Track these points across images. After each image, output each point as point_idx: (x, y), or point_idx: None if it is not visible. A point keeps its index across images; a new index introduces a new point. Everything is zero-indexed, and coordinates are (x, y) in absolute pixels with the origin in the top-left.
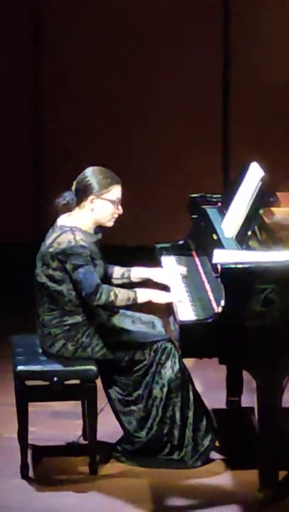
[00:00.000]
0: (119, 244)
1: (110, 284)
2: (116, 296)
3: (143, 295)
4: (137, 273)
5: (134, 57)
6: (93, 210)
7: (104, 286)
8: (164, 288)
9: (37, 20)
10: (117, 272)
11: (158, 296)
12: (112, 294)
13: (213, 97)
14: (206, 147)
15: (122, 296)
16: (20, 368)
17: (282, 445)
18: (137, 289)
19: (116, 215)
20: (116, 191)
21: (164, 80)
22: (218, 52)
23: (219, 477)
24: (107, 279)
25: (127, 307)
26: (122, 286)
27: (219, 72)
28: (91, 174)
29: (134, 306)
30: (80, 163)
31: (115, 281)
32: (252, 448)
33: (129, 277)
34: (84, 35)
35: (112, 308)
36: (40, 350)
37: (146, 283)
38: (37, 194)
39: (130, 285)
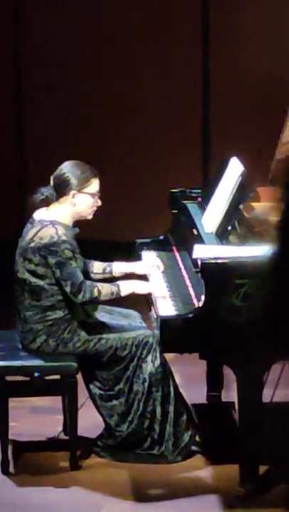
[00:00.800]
0: (99, 240)
1: (91, 279)
2: (100, 292)
3: (126, 288)
4: (119, 268)
5: (112, 54)
6: (75, 205)
7: (88, 282)
8: (147, 280)
9: (17, 18)
10: (98, 266)
11: (141, 287)
12: (95, 290)
13: (193, 92)
14: (185, 142)
15: (105, 291)
16: (0, 363)
17: (262, 440)
18: (119, 282)
19: (95, 208)
20: (95, 184)
21: (142, 76)
22: (198, 47)
23: (200, 472)
24: (87, 273)
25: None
26: (103, 280)
27: (199, 67)
28: (69, 169)
29: (114, 300)
30: (64, 159)
31: (96, 276)
32: (232, 443)
33: (110, 272)
34: (63, 29)
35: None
36: (20, 346)
37: (128, 277)
38: (19, 191)
39: (112, 280)
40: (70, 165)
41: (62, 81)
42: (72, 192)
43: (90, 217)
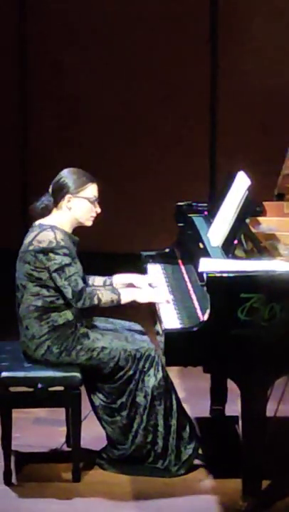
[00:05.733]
0: (106, 252)
1: None
2: (99, 300)
3: (126, 296)
4: (119, 279)
5: (121, 66)
6: (71, 209)
7: (88, 289)
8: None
9: (22, 22)
10: (98, 280)
11: (142, 296)
12: (95, 298)
13: (201, 106)
14: (192, 156)
15: (105, 299)
16: (4, 374)
17: (265, 454)
18: (120, 290)
19: (94, 214)
20: (92, 189)
21: (148, 90)
22: (205, 61)
23: (202, 485)
24: (87, 284)
25: (110, 311)
26: None
27: (207, 81)
28: (66, 175)
29: (119, 312)
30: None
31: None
32: (235, 457)
33: (111, 284)
34: (70, 37)
35: (95, 314)
36: (23, 357)
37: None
38: (23, 202)
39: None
40: (67, 171)
41: (66, 93)
42: (68, 196)
43: (88, 223)
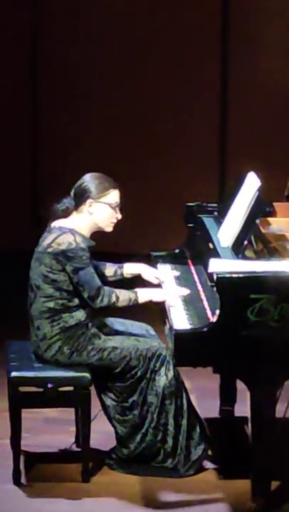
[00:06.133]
0: (115, 252)
1: (105, 282)
2: (117, 298)
3: (144, 295)
4: (129, 269)
5: (131, 67)
6: (92, 214)
7: (106, 288)
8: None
9: (36, 24)
10: (110, 270)
11: (158, 295)
12: (113, 296)
13: (211, 107)
14: (202, 156)
15: (123, 297)
16: (13, 374)
17: (274, 455)
18: (137, 290)
19: (115, 220)
20: (114, 195)
21: (160, 90)
22: (216, 61)
23: (212, 486)
24: (100, 276)
25: (121, 312)
26: (115, 282)
27: (217, 80)
28: (89, 179)
29: (127, 313)
30: (78, 171)
31: (109, 279)
32: (245, 457)
33: (122, 274)
34: (82, 33)
35: (106, 314)
36: (33, 357)
37: (143, 285)
38: (35, 201)
39: (124, 281)
40: (90, 175)
41: (79, 93)
42: (90, 201)
43: (108, 229)
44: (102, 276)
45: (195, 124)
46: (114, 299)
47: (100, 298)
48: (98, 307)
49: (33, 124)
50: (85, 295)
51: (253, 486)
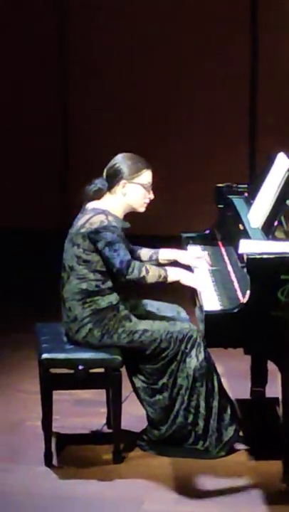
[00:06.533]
0: (145, 234)
1: None
2: (147, 271)
3: (173, 274)
4: (164, 255)
5: (162, 52)
6: (125, 195)
7: (136, 262)
8: (192, 272)
9: (63, 17)
10: (145, 254)
11: (187, 278)
12: (143, 269)
13: (240, 89)
14: (232, 137)
15: (152, 272)
16: (44, 355)
17: None
18: (167, 268)
19: (148, 200)
20: (146, 175)
21: (191, 73)
22: (246, 44)
23: (243, 467)
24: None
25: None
26: None
27: (247, 64)
28: (121, 160)
29: (158, 294)
30: (108, 154)
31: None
32: (276, 439)
33: (157, 259)
34: (112, 28)
35: (137, 296)
36: (65, 339)
37: (175, 265)
38: (62, 185)
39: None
40: (122, 156)
41: (111, 81)
42: (123, 181)
43: (141, 209)
44: (137, 259)
45: (225, 107)
46: (144, 272)
47: (131, 270)
48: (127, 279)
49: (63, 110)
50: (116, 266)
51: (284, 467)
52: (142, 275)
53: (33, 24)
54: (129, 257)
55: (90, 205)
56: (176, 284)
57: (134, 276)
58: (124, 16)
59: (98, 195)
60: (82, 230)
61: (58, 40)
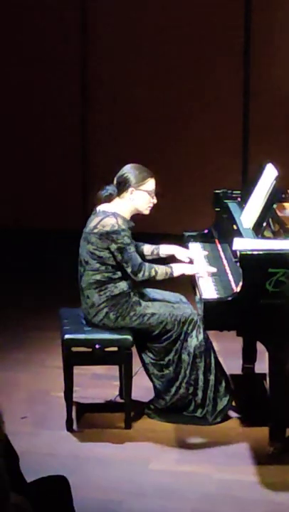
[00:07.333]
0: (151, 233)
1: (143, 260)
2: (156, 272)
3: (178, 269)
4: (164, 250)
5: (164, 72)
6: (133, 200)
7: (146, 264)
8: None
9: (84, 20)
10: (148, 249)
11: (190, 269)
12: (152, 270)
13: (235, 106)
14: (228, 150)
15: (160, 271)
16: (67, 336)
17: None
18: (172, 265)
19: (152, 204)
20: (151, 183)
21: (193, 94)
22: (239, 60)
23: (235, 432)
24: (139, 255)
25: (158, 283)
26: (153, 261)
27: (240, 77)
28: (129, 170)
29: (164, 284)
30: (120, 162)
31: (146, 258)
32: (264, 408)
33: (158, 254)
34: (127, 36)
35: (145, 286)
36: (84, 321)
37: (176, 260)
38: (83, 188)
39: (159, 260)
40: (130, 166)
41: (124, 95)
42: (131, 189)
43: (146, 212)
44: (140, 254)
45: (221, 124)
46: (153, 273)
47: (142, 272)
48: (140, 280)
49: (82, 118)
50: (129, 270)
51: (271, 433)
52: (152, 275)
53: (56, 47)
54: (139, 260)
55: (101, 207)
56: (178, 278)
57: (145, 277)
58: (137, 49)
59: (109, 199)
60: (95, 231)
61: (80, 62)
